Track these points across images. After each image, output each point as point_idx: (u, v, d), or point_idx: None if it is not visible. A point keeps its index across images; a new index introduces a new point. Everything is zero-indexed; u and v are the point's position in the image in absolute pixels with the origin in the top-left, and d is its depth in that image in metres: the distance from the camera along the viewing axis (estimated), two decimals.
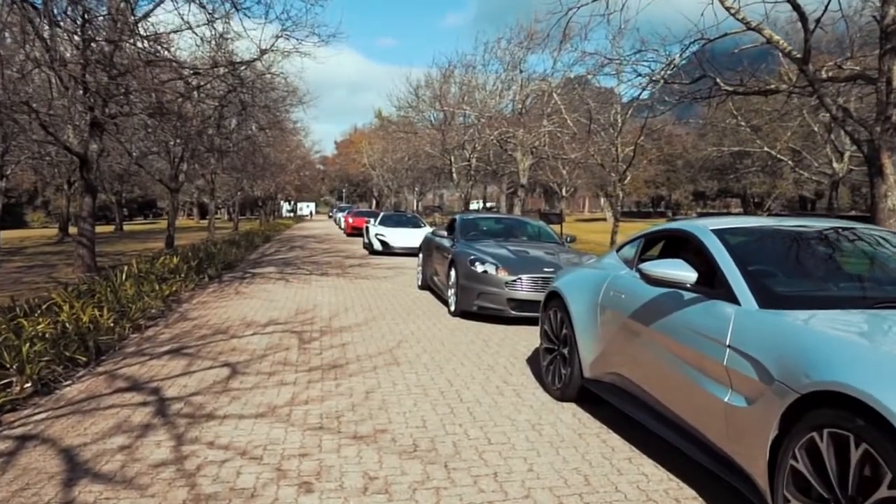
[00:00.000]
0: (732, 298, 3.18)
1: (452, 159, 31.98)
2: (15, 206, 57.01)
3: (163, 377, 5.69)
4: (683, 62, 12.52)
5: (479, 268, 8.34)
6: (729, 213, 61.13)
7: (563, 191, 49.79)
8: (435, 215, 51.88)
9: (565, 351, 4.83)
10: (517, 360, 6.39)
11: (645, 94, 15.64)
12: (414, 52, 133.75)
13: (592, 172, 41.97)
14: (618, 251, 4.81)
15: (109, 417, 4.61)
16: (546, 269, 8.18)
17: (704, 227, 3.76)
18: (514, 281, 8.07)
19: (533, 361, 6.30)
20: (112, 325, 7.61)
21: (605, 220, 58.08)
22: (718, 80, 12.32)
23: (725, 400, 2.97)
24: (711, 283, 3.41)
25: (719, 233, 3.66)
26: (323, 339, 7.28)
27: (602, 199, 69.14)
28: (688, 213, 64.23)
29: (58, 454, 3.96)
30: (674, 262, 3.43)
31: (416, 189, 57.93)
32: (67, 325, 7.07)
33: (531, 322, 8.17)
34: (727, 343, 3.01)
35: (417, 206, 59.16)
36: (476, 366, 6.09)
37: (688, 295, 3.44)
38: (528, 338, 7.49)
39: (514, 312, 8.05)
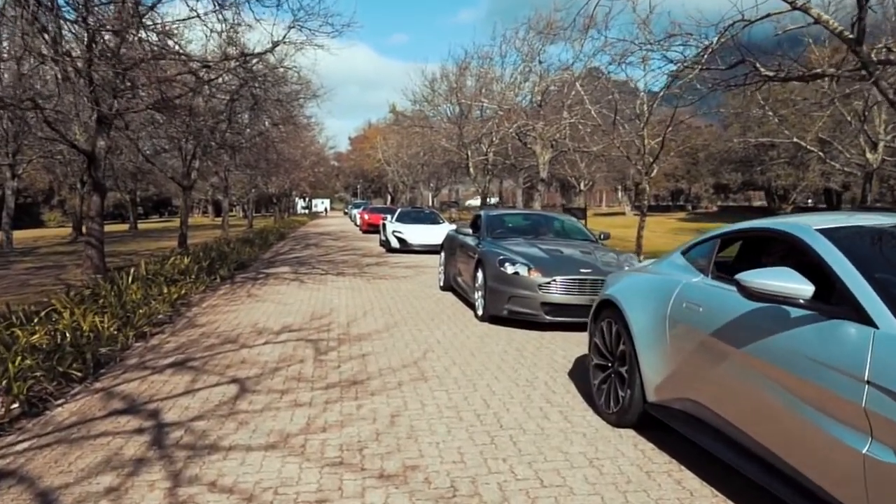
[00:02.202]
0: (864, 318, 2.50)
1: (469, 153, 31.26)
2: (31, 205, 57.12)
3: (163, 396, 5.09)
4: (717, 46, 11.69)
5: (510, 269, 7.66)
6: (750, 207, 59.95)
7: (582, 185, 48.89)
8: (451, 210, 51.27)
9: (623, 370, 4.16)
10: (557, 373, 5.73)
11: (675, 82, 14.86)
12: (426, 49, 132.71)
13: (612, 165, 41.11)
14: (683, 253, 4.12)
15: (99, 449, 4.01)
16: (583, 270, 7.50)
17: (807, 227, 3.06)
18: (549, 283, 7.39)
19: (576, 375, 5.64)
20: (115, 332, 7.06)
21: (623, 214, 57.13)
22: (758, 64, 11.54)
23: (864, 451, 2.30)
24: (827, 298, 2.73)
25: (828, 233, 2.96)
26: (341, 349, 6.66)
27: (620, 193, 68.18)
28: (708, 206, 63.11)
29: (34, 499, 3.36)
30: (782, 272, 2.74)
31: (432, 184, 57.25)
32: (67, 334, 6.53)
33: (566, 328, 7.53)
34: (865, 377, 2.34)
35: (433, 202, 58.53)
36: (513, 381, 5.44)
37: (797, 312, 2.76)
38: (565, 346, 6.83)
39: (548, 318, 7.37)
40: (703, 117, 36.45)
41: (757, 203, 63.00)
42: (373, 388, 5.26)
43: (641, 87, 18.73)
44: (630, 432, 4.19)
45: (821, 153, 26.67)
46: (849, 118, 23.92)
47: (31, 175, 40.29)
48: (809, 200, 42.82)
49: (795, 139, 26.77)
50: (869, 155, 23.80)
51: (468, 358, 6.25)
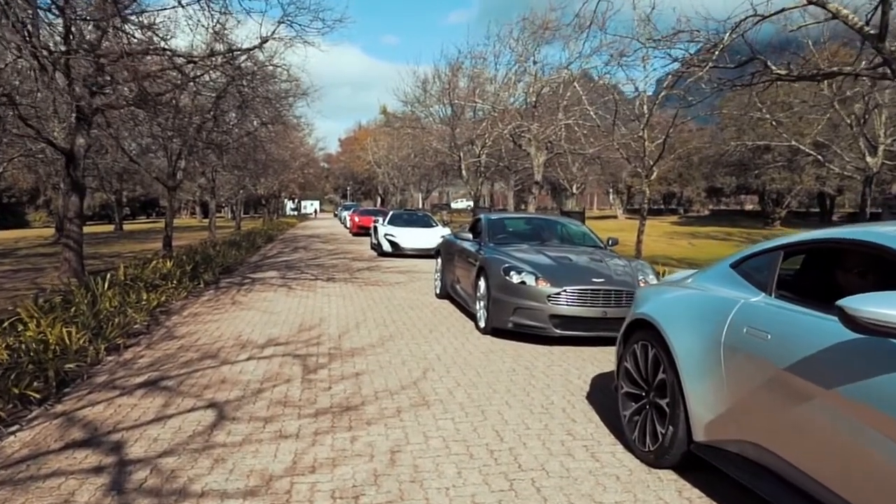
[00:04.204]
0: None
1: (462, 155, 30.71)
2: (16, 205, 56.26)
3: (130, 424, 4.47)
4: (728, 42, 11.18)
5: (516, 278, 7.07)
6: (743, 211, 59.73)
7: (574, 187, 48.42)
8: (442, 213, 50.67)
9: (663, 403, 3.57)
10: (574, 396, 5.15)
11: (680, 82, 14.39)
12: (418, 50, 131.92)
13: (605, 168, 40.67)
14: (734, 266, 3.54)
15: (48, 494, 3.40)
16: (595, 280, 6.91)
17: None
18: (558, 294, 6.79)
19: (595, 400, 5.06)
20: (86, 344, 6.44)
21: (615, 217, 56.77)
22: (769, 62, 11.06)
23: None
24: None
25: None
26: (332, 367, 6.05)
27: (612, 196, 67.81)
28: (700, 210, 62.89)
29: None
30: None
31: (424, 186, 56.67)
32: (29, 347, 5.90)
33: (576, 342, 6.97)
34: None
35: (424, 204, 57.94)
36: (526, 407, 4.84)
37: None
38: (578, 363, 6.26)
39: (557, 331, 6.78)
40: (697, 120, 36.11)
41: (749, 207, 62.83)
42: (368, 415, 4.65)
43: (641, 88, 18.19)
44: (670, 474, 3.61)
45: (819, 157, 26.30)
46: (848, 121, 23.56)
47: (14, 174, 39.29)
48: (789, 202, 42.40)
49: (794, 142, 26.42)
50: (869, 159, 23.43)
51: (473, 378, 5.65)
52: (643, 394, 3.84)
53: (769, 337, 2.87)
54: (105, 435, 4.29)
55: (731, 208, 63.95)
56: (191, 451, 3.97)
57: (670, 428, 3.47)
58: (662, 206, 69.52)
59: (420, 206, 57.31)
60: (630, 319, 4.04)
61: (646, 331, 3.80)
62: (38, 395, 5.03)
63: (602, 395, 5.15)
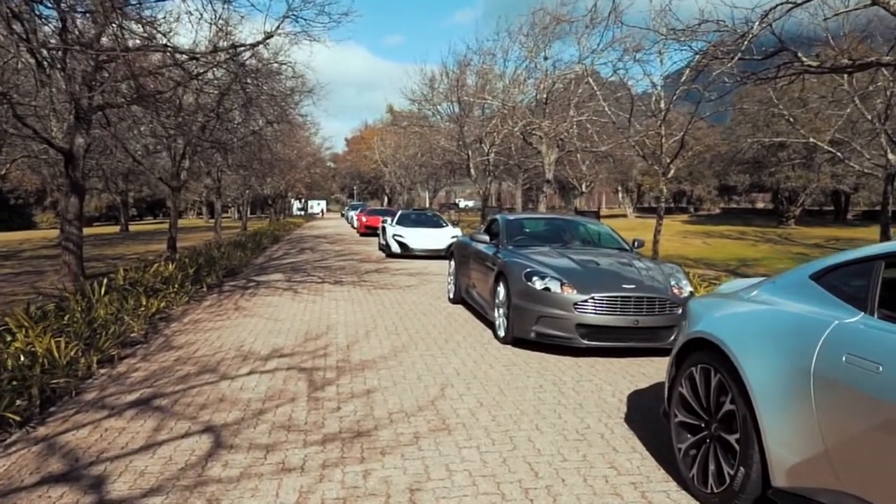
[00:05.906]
0: None
1: (470, 154, 30.17)
2: (23, 206, 56.03)
3: (116, 453, 3.98)
4: (758, 32, 10.60)
5: (539, 284, 6.53)
6: (755, 209, 58.96)
7: (584, 186, 47.82)
8: (450, 212, 50.19)
9: (731, 438, 3.04)
10: (612, 419, 4.61)
11: (703, 77, 13.85)
12: (423, 50, 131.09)
13: (615, 166, 40.11)
14: (816, 278, 3.01)
15: None
16: (626, 286, 6.36)
17: None
18: (585, 301, 6.26)
19: (636, 423, 4.53)
20: (78, 355, 5.98)
21: (625, 216, 56.16)
22: (799, 53, 10.49)
23: None
24: None
25: None
26: (340, 383, 5.53)
27: (621, 195, 67.15)
28: (711, 208, 62.19)
29: None
30: None
31: (431, 186, 56.17)
32: (16, 361, 5.44)
33: (602, 353, 6.45)
34: None
35: (431, 203, 57.45)
36: (559, 433, 4.31)
37: None
38: (610, 377, 5.73)
39: (585, 342, 6.24)
40: (711, 118, 35.43)
41: (760, 205, 62.02)
42: (382, 442, 4.14)
43: (657, 83, 17.61)
44: None
45: (838, 154, 25.65)
46: (869, 117, 22.91)
47: (19, 176, 38.95)
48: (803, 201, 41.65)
49: (812, 139, 25.78)
50: (891, 155, 22.77)
51: (497, 396, 5.12)
52: (703, 425, 3.31)
53: (881, 369, 2.34)
54: (87, 467, 3.80)
55: (742, 206, 63.16)
56: (181, 488, 3.47)
57: (741, 469, 2.94)
58: (672, 205, 68.82)
59: (427, 205, 56.86)
60: (686, 338, 3.50)
61: (707, 352, 3.27)
62: (18, 418, 4.55)
63: (642, 417, 4.62)
